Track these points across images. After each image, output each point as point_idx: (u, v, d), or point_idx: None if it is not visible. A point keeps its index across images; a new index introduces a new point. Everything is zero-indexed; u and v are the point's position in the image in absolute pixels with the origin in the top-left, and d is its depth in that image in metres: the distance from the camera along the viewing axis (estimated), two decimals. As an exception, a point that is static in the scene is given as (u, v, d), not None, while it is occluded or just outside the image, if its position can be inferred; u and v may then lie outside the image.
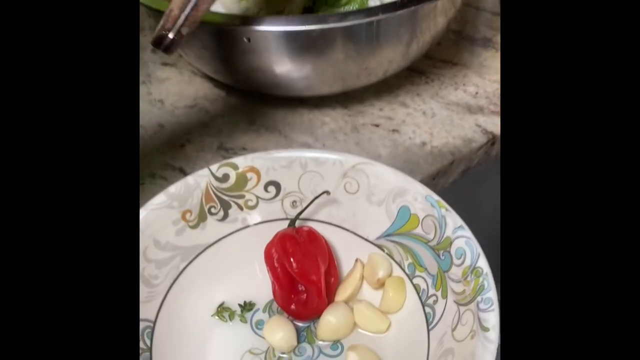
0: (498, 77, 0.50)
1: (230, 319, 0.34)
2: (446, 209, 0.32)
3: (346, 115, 0.48)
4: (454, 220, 0.31)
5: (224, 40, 0.41)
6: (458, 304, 0.29)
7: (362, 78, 0.45)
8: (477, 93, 0.49)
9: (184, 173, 0.43)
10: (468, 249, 0.30)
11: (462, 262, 0.30)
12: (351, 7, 0.45)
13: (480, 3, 0.59)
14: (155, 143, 0.46)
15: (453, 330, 0.29)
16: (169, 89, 0.51)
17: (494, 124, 0.46)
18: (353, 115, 0.48)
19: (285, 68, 0.42)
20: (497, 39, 0.55)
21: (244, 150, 0.45)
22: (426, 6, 0.40)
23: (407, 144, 0.45)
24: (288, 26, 0.38)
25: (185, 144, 0.46)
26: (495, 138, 0.46)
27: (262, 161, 0.35)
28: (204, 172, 0.34)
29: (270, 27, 0.38)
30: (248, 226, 0.35)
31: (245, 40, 0.39)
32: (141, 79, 0.52)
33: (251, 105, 0.49)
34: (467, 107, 0.48)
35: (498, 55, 0.53)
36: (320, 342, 0.33)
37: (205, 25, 0.39)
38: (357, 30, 0.39)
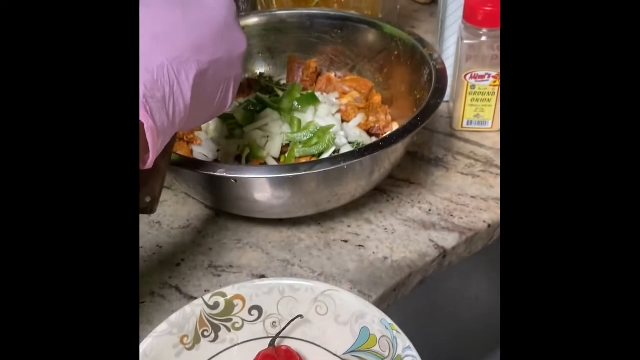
0: (448, 194, 0.59)
1: None
2: (397, 331, 0.39)
3: (319, 232, 0.56)
4: (403, 341, 0.38)
5: (213, 181, 0.49)
6: (407, 413, 0.36)
7: (332, 202, 0.54)
8: (430, 210, 0.58)
9: (179, 292, 0.50)
10: (414, 366, 0.37)
11: (410, 377, 0.37)
12: (320, 146, 0.54)
13: (434, 126, 0.68)
14: (155, 263, 0.53)
15: None
16: (166, 211, 0.59)
17: (445, 239, 0.54)
18: (325, 232, 0.56)
19: (266, 199, 0.50)
20: (448, 158, 0.64)
21: (230, 267, 0.53)
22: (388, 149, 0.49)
23: (372, 259, 0.53)
24: (267, 174, 0.46)
25: (180, 263, 0.53)
26: (446, 252, 0.53)
27: (247, 289, 0.42)
28: (199, 302, 0.41)
29: (253, 175, 0.46)
30: (235, 345, 0.42)
31: (232, 181, 0.48)
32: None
33: (237, 224, 0.57)
34: (421, 223, 0.56)
35: (448, 174, 0.62)
36: None
37: (198, 171, 0.47)
38: (325, 174, 0.47)
